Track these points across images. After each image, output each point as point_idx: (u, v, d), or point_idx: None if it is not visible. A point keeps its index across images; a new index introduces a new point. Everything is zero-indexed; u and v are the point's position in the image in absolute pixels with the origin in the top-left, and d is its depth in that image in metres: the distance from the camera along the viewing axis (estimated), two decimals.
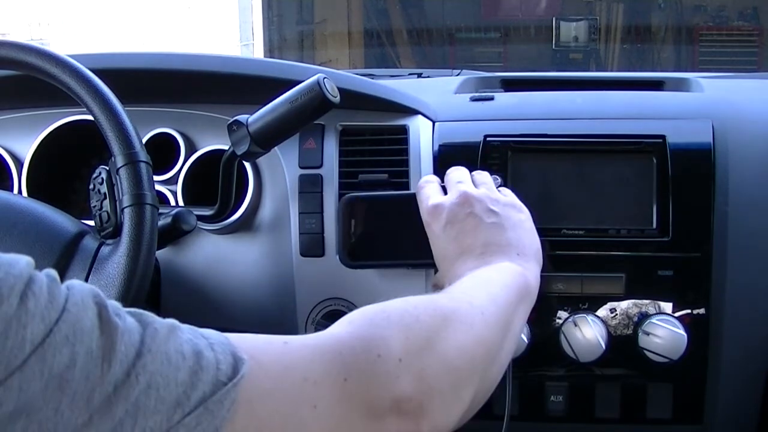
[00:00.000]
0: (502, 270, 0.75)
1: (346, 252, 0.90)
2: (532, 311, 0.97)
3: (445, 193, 0.84)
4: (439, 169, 1.01)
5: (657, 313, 0.95)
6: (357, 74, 1.23)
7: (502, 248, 0.77)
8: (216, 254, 1.05)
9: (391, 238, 0.89)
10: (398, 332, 0.58)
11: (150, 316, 0.50)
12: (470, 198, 0.81)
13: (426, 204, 0.83)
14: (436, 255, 0.82)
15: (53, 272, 0.47)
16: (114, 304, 0.49)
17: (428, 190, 0.84)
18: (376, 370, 0.55)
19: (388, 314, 0.60)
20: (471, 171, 0.87)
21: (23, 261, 0.46)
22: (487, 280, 0.72)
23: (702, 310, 0.96)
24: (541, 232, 0.98)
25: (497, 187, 0.86)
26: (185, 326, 0.51)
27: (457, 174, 0.86)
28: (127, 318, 0.49)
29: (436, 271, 0.83)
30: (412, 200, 0.85)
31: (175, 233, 0.94)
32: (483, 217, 0.79)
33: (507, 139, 1.00)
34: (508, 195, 0.85)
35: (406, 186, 1.00)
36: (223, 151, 0.98)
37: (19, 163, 1.10)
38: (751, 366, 0.98)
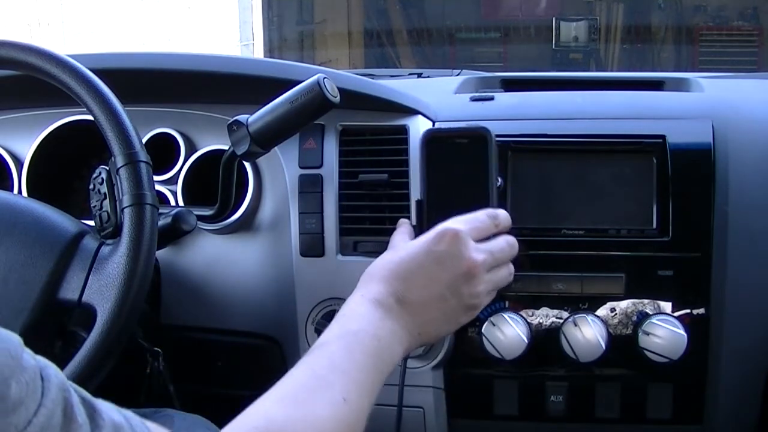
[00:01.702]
0: (391, 337, 0.72)
1: (432, 135, 0.85)
2: (532, 311, 0.97)
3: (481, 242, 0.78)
4: None
5: (657, 313, 0.95)
6: (357, 74, 1.23)
7: (418, 316, 0.75)
8: (216, 254, 1.05)
9: (447, 184, 0.84)
10: None
11: (101, 414, 0.51)
12: (476, 273, 0.76)
13: (457, 223, 0.77)
14: (393, 251, 0.78)
15: (34, 359, 0.49)
16: (75, 398, 0.50)
17: (479, 222, 0.79)
18: None
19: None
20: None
21: (15, 340, 0.48)
22: (369, 350, 0.69)
23: (702, 310, 0.96)
24: (541, 232, 0.98)
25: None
26: (133, 419, 0.53)
27: (506, 249, 0.80)
28: (82, 414, 0.50)
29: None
30: (483, 204, 0.81)
31: (175, 233, 0.94)
32: (455, 291, 0.75)
33: (507, 139, 1.00)
34: (490, 282, 0.79)
35: (406, 186, 1.00)
36: (223, 151, 0.98)
37: (19, 163, 1.10)
38: (751, 366, 0.98)
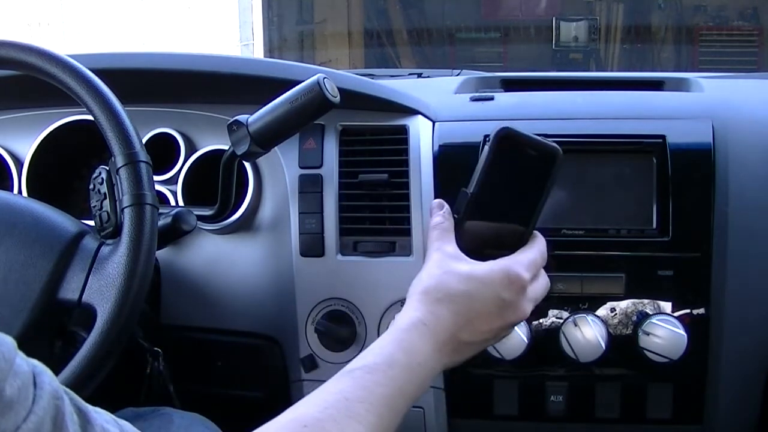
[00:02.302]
0: (430, 373, 0.70)
1: (511, 132, 0.79)
2: (532, 311, 0.96)
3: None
4: (439, 170, 1.01)
5: (657, 313, 0.95)
6: (357, 74, 1.23)
7: (462, 357, 0.73)
8: (216, 254, 1.05)
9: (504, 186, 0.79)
10: None
11: (94, 426, 0.51)
12: (521, 318, 0.74)
13: (524, 269, 0.74)
14: (460, 285, 0.73)
15: (28, 364, 0.48)
16: (68, 408, 0.49)
17: (538, 264, 0.76)
18: None
19: None
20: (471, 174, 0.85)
21: (8, 343, 0.47)
22: (408, 391, 0.67)
23: (702, 310, 0.96)
24: (541, 232, 0.98)
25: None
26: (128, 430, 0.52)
27: (544, 290, 0.78)
28: (75, 424, 0.49)
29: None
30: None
31: (175, 233, 0.94)
32: (503, 332, 0.75)
33: None
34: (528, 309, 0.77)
35: (406, 186, 1.00)
36: (223, 151, 0.98)
37: (19, 163, 1.10)
38: (751, 366, 0.98)
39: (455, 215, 0.78)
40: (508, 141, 0.79)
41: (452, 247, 0.76)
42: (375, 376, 0.66)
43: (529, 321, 0.96)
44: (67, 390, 0.50)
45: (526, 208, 0.78)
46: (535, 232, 0.78)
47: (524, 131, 0.79)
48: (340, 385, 0.65)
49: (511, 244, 0.77)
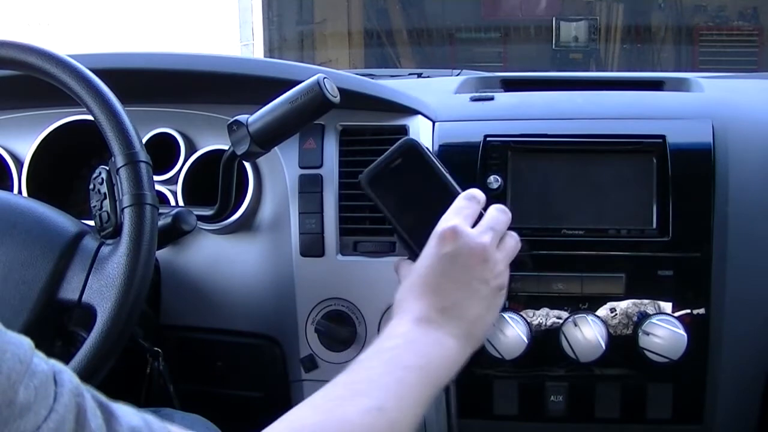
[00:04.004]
0: (438, 348, 0.72)
1: (370, 176, 0.84)
2: (532, 311, 0.97)
3: (473, 224, 0.78)
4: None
5: (657, 313, 0.95)
6: (357, 74, 1.23)
7: (462, 319, 0.75)
8: (216, 254, 1.05)
9: (410, 204, 0.84)
10: None
11: (119, 419, 0.51)
12: (489, 254, 0.77)
13: (449, 220, 0.78)
14: (411, 274, 0.78)
15: (46, 363, 0.48)
16: (90, 403, 0.49)
17: (465, 208, 0.79)
18: None
19: None
20: (473, 175, 0.86)
21: (25, 345, 0.47)
22: (410, 363, 0.69)
23: (702, 310, 0.96)
24: (541, 232, 0.98)
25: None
26: (153, 423, 0.53)
27: (502, 218, 0.80)
28: (97, 419, 0.49)
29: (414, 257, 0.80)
30: (452, 197, 0.81)
31: (175, 233, 0.94)
32: (481, 280, 0.76)
33: (507, 139, 1.00)
34: (503, 256, 0.80)
35: None
36: (223, 151, 0.98)
37: (19, 163, 1.10)
38: (751, 366, 0.98)
39: (407, 258, 0.83)
40: (375, 179, 0.84)
41: (406, 266, 0.81)
42: (365, 363, 0.69)
43: (529, 321, 0.96)
44: (88, 386, 0.50)
45: (445, 194, 0.82)
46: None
47: (377, 159, 0.84)
48: (337, 379, 0.67)
49: None
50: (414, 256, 0.81)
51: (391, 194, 0.84)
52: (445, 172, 0.84)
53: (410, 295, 0.76)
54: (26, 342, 0.47)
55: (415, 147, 0.84)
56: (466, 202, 0.80)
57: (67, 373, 0.49)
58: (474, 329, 0.76)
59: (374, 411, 0.63)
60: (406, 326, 0.73)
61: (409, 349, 0.71)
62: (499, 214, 0.80)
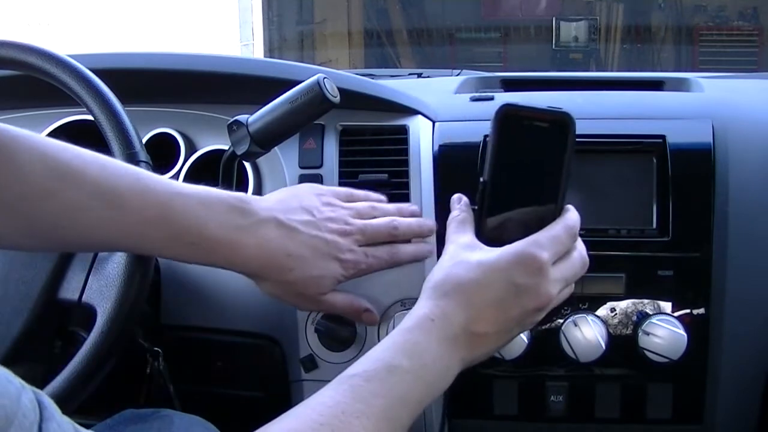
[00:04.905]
0: (444, 377, 0.68)
1: (510, 112, 0.73)
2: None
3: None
4: (439, 170, 1.01)
5: (657, 313, 0.95)
6: (357, 74, 1.23)
7: (480, 349, 0.70)
8: None
9: (516, 170, 0.74)
10: None
11: None
12: (547, 306, 0.70)
13: (542, 249, 0.70)
14: (472, 266, 0.70)
15: (34, 414, 0.45)
16: None
17: (562, 244, 0.72)
18: None
19: None
20: (473, 175, 0.85)
21: (12, 393, 0.44)
22: (413, 400, 0.65)
23: (702, 310, 0.96)
24: None
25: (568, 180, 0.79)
26: None
27: (579, 271, 0.74)
28: None
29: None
30: (553, 206, 0.73)
31: None
32: (522, 324, 0.71)
33: None
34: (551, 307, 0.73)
35: (406, 186, 1.00)
36: (223, 151, 0.98)
37: None
38: (752, 366, 0.98)
39: (474, 207, 0.75)
40: (511, 118, 0.73)
41: (467, 238, 0.73)
42: (373, 386, 0.63)
43: None
44: (70, 421, 0.48)
45: (548, 185, 0.73)
46: (567, 206, 0.74)
47: (528, 103, 0.73)
48: (337, 395, 0.62)
49: (541, 227, 0.72)
50: (479, 217, 0.73)
51: (510, 144, 0.73)
52: (568, 173, 0.74)
53: (453, 295, 0.69)
54: (13, 386, 0.44)
55: (569, 126, 0.72)
56: (566, 237, 0.72)
57: (49, 410, 0.46)
58: (478, 359, 0.72)
59: None
60: (430, 340, 0.67)
61: (420, 377, 0.65)
62: (580, 266, 0.74)
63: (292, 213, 0.81)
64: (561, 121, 0.73)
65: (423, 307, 0.69)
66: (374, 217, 0.87)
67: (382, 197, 0.92)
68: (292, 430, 0.59)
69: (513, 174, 0.74)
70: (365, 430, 0.60)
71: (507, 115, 0.73)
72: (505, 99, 1.04)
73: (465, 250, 0.72)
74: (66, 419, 0.48)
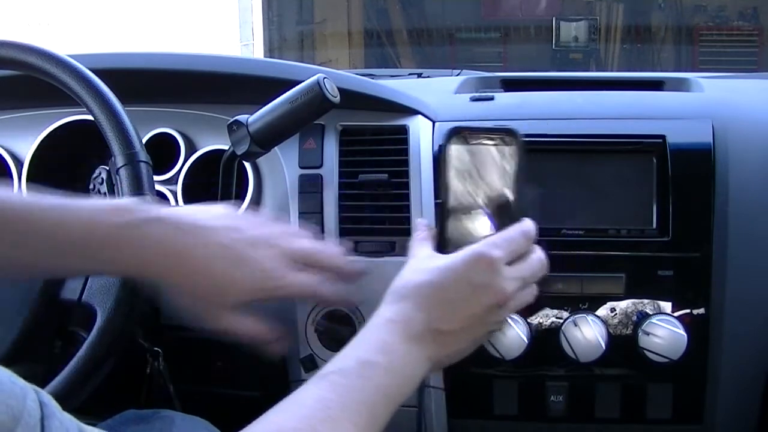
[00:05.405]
0: (414, 373, 0.70)
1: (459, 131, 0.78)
2: (531, 310, 0.97)
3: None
4: (439, 170, 1.00)
5: (657, 313, 0.95)
6: (357, 74, 1.23)
7: (446, 347, 0.72)
8: None
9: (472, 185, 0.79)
10: None
11: None
12: (505, 303, 0.73)
13: (495, 247, 0.73)
14: (425, 271, 0.74)
15: (39, 410, 0.46)
16: None
17: (515, 243, 0.75)
18: None
19: None
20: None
21: (18, 393, 0.45)
22: (387, 388, 0.67)
23: (702, 310, 0.96)
24: (541, 232, 0.98)
25: (521, 190, 0.82)
26: None
27: (537, 271, 0.77)
28: None
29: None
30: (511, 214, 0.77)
31: None
32: (483, 321, 0.73)
33: None
34: (514, 306, 0.77)
35: (406, 186, 1.00)
36: (223, 151, 0.98)
37: (19, 163, 1.10)
38: (752, 366, 0.98)
39: (436, 226, 0.80)
40: (460, 140, 0.79)
41: (427, 251, 0.77)
42: (350, 380, 0.66)
43: (529, 321, 0.96)
44: (72, 418, 0.49)
45: (505, 198, 0.78)
46: (524, 219, 0.78)
47: (475, 125, 0.80)
48: (316, 391, 0.65)
49: None
50: (440, 236, 0.77)
51: (460, 164, 0.79)
52: (519, 187, 0.79)
53: (411, 296, 0.72)
54: (18, 387, 0.45)
55: (515, 142, 0.78)
56: (520, 237, 0.76)
57: (50, 407, 0.47)
58: (447, 359, 0.74)
59: None
60: (395, 338, 0.70)
61: (393, 371, 0.68)
62: (538, 266, 0.77)
63: (207, 216, 0.77)
64: (507, 137, 0.79)
65: (384, 311, 0.72)
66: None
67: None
68: (278, 425, 0.61)
69: (467, 192, 0.79)
70: (348, 421, 0.63)
71: (456, 138, 0.79)
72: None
73: (423, 260, 0.76)
74: (67, 416, 0.49)
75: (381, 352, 0.69)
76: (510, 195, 0.78)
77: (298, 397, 0.64)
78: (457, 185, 0.79)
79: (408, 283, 0.73)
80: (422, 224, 0.82)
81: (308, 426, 0.61)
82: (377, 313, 0.73)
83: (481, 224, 0.78)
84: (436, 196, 0.82)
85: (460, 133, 0.79)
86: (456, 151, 0.79)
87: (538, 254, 0.77)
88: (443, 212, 0.79)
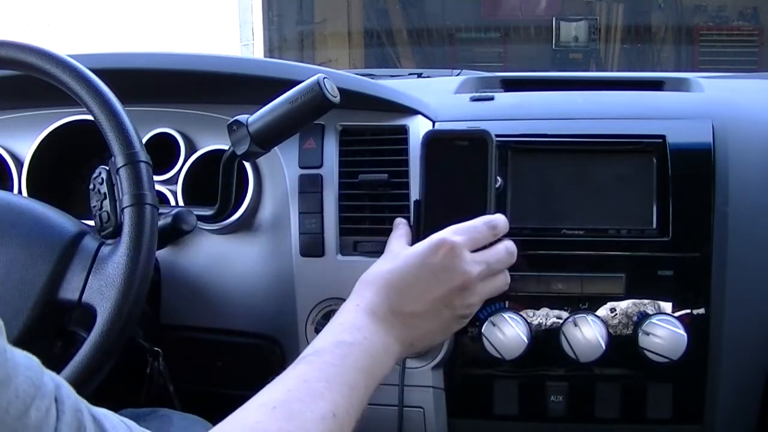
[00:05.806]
0: (385, 352, 0.74)
1: (433, 137, 0.86)
2: (532, 311, 0.97)
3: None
4: None
5: (657, 313, 0.95)
6: (357, 74, 1.23)
7: (412, 329, 0.76)
8: (216, 254, 1.05)
9: (446, 187, 0.85)
10: None
11: (108, 430, 0.52)
12: (470, 285, 0.77)
13: (454, 234, 0.78)
14: (390, 260, 0.79)
15: (53, 381, 0.49)
16: (87, 416, 0.51)
17: (476, 232, 0.79)
18: None
19: None
20: None
21: (35, 366, 0.48)
22: (360, 364, 0.71)
23: (702, 310, 0.96)
24: (541, 232, 0.98)
25: (497, 188, 0.86)
26: (134, 428, 0.55)
27: (504, 258, 0.81)
28: None
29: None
30: (481, 209, 0.82)
31: (175, 233, 0.94)
32: (449, 305, 0.77)
33: (507, 139, 1.00)
34: (485, 292, 0.81)
35: (406, 186, 1.00)
36: (223, 151, 0.98)
37: (19, 163, 1.10)
38: (752, 365, 0.98)
39: (411, 226, 0.85)
40: (435, 142, 0.85)
41: (399, 246, 0.82)
42: (325, 357, 0.70)
43: (529, 321, 0.96)
44: (81, 398, 0.51)
45: (479, 197, 0.83)
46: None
47: (450, 128, 0.87)
48: (296, 370, 0.69)
49: None
50: (416, 232, 0.82)
51: (437, 165, 0.85)
52: (493, 184, 0.84)
53: (374, 283, 0.77)
54: (35, 362, 0.48)
55: (487, 142, 0.84)
56: (483, 226, 0.80)
57: (65, 388, 0.50)
58: (418, 342, 0.78)
59: (329, 417, 0.65)
60: (362, 319, 0.74)
61: (365, 349, 0.72)
62: (504, 253, 0.81)
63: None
64: (480, 138, 0.84)
65: (351, 298, 0.78)
66: None
67: None
68: (265, 399, 0.65)
69: (443, 191, 0.84)
70: (329, 390, 0.67)
71: (432, 140, 0.85)
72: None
73: (394, 252, 0.81)
74: (66, 383, 0.51)
75: (350, 332, 0.73)
76: (484, 193, 0.82)
77: (281, 377, 0.69)
78: (432, 184, 0.84)
79: (373, 271, 0.79)
80: (400, 222, 0.87)
81: (293, 398, 0.65)
82: (346, 301, 0.77)
83: (455, 221, 0.81)
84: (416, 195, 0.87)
85: (437, 135, 0.86)
86: (432, 153, 0.84)
87: (506, 243, 0.81)
88: (419, 210, 0.84)
